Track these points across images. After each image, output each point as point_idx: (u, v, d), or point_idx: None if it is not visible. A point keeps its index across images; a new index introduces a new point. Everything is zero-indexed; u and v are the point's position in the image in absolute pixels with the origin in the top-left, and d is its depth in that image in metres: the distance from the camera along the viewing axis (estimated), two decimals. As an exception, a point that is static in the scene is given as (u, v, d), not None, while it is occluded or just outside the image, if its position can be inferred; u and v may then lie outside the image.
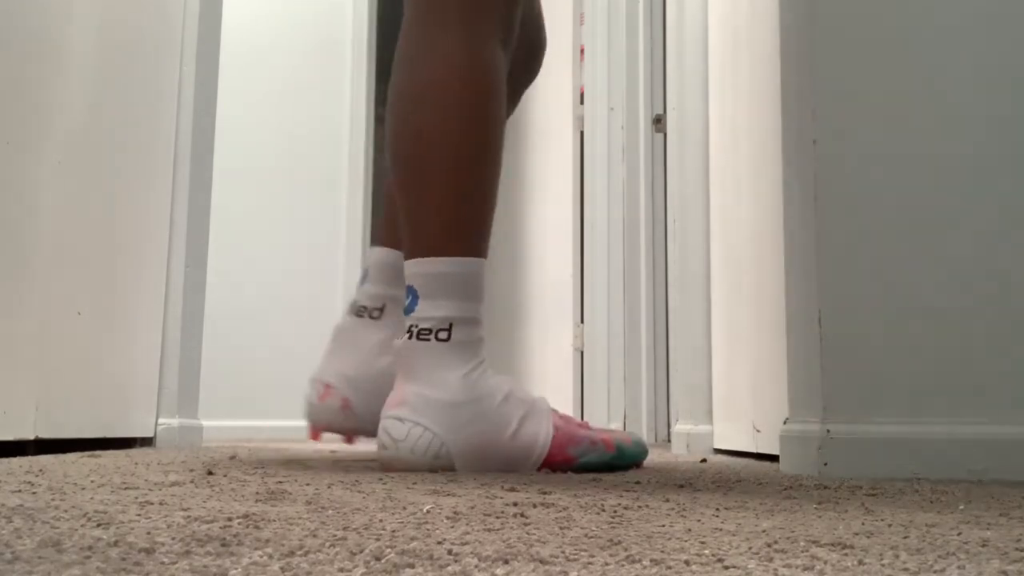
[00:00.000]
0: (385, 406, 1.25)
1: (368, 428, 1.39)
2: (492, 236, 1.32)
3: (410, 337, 1.24)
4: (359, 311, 1.45)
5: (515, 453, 1.24)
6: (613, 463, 1.30)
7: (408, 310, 1.27)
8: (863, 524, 0.69)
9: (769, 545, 0.57)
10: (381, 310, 1.44)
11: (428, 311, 1.24)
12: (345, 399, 1.41)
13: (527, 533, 0.61)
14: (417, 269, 1.26)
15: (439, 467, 1.20)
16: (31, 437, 1.43)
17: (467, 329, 1.25)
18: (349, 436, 1.45)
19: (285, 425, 3.04)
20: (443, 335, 1.23)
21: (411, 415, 1.21)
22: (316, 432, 1.45)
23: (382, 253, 1.47)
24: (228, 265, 3.14)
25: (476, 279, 1.27)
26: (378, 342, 1.42)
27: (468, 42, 1.28)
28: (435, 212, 1.26)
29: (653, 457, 1.89)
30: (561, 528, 0.64)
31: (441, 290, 1.25)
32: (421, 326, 1.24)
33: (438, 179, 1.27)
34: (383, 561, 0.49)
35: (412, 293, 1.26)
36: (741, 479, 1.18)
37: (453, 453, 1.21)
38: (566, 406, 3.58)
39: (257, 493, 0.84)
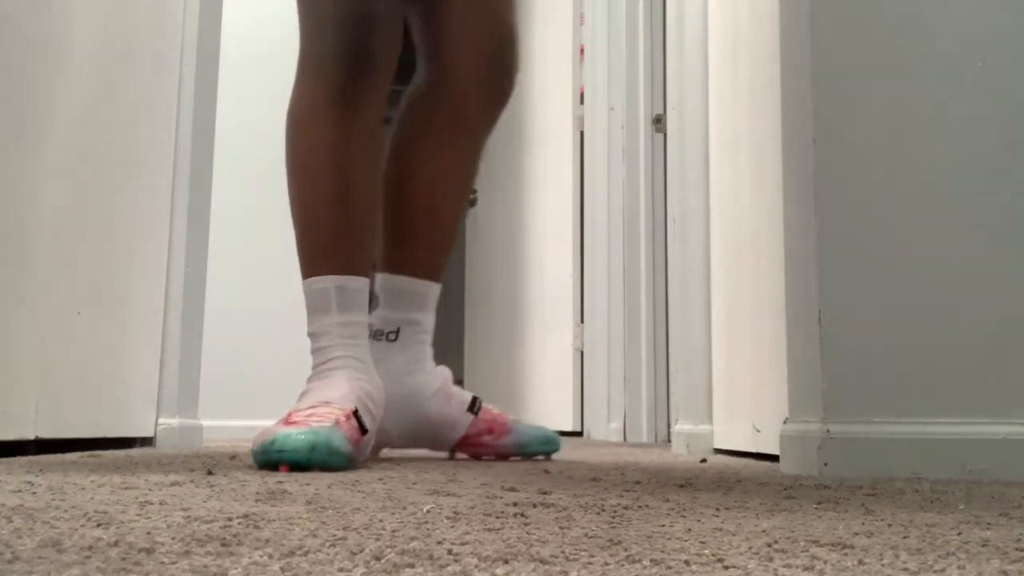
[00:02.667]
0: None
1: (395, 440, 1.59)
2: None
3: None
4: (376, 335, 1.57)
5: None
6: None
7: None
8: (863, 524, 0.69)
9: (769, 545, 0.57)
10: (396, 332, 1.58)
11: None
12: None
13: (527, 533, 0.61)
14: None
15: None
16: (31, 437, 1.43)
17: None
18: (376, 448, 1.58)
19: (285, 425, 3.02)
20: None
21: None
22: None
23: (385, 279, 1.60)
24: (228, 265, 3.13)
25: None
26: (403, 363, 1.57)
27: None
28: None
29: (653, 457, 1.89)
30: (561, 528, 0.64)
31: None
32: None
33: None
34: (383, 561, 0.49)
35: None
36: (741, 479, 1.18)
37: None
38: (566, 406, 3.58)
39: (257, 493, 0.84)
